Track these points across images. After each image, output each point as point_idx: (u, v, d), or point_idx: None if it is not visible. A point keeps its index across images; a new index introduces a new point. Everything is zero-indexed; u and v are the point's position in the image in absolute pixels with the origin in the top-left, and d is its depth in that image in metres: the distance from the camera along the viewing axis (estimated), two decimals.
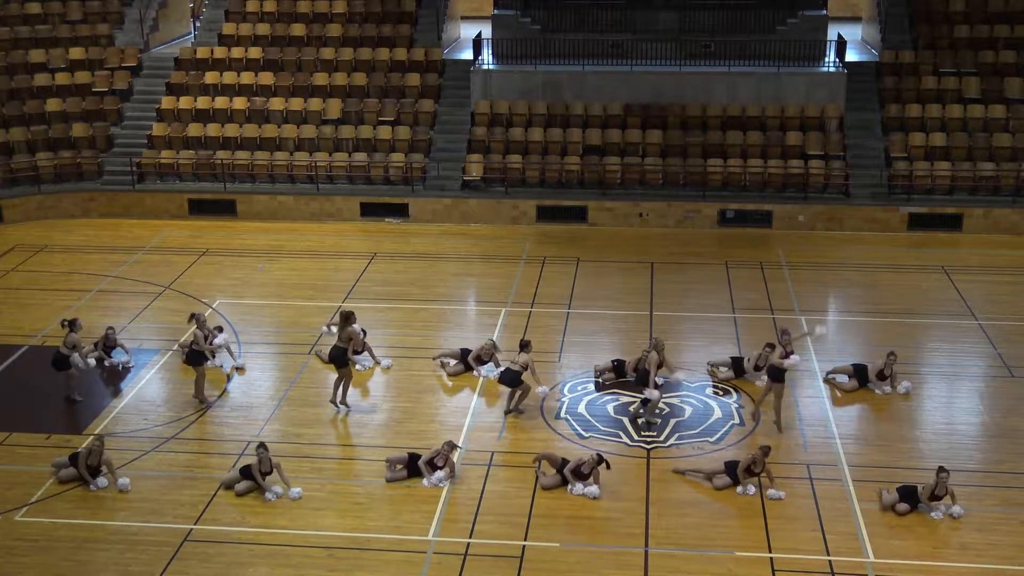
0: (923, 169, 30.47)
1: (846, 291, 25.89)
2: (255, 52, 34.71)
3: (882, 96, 32.67)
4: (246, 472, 17.42)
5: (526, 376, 19.51)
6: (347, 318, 19.79)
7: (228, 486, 17.48)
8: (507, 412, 19.77)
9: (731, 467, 17.48)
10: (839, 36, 33.37)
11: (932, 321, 23.63)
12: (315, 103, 33.19)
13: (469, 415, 19.71)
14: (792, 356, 19.14)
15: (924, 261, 27.64)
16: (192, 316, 20.37)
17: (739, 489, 17.26)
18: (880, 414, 19.81)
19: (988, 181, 30.22)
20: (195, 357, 20.10)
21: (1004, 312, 24.29)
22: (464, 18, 40.00)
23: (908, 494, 16.76)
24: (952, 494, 16.60)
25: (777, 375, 18.96)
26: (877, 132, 32.01)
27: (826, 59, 33.30)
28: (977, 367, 21.75)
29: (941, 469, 16.68)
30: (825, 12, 34.75)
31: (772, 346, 19.72)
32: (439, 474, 17.58)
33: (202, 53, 34.93)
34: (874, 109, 32.53)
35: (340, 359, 19.71)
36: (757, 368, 20.69)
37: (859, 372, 20.76)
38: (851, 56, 33.93)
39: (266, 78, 33.96)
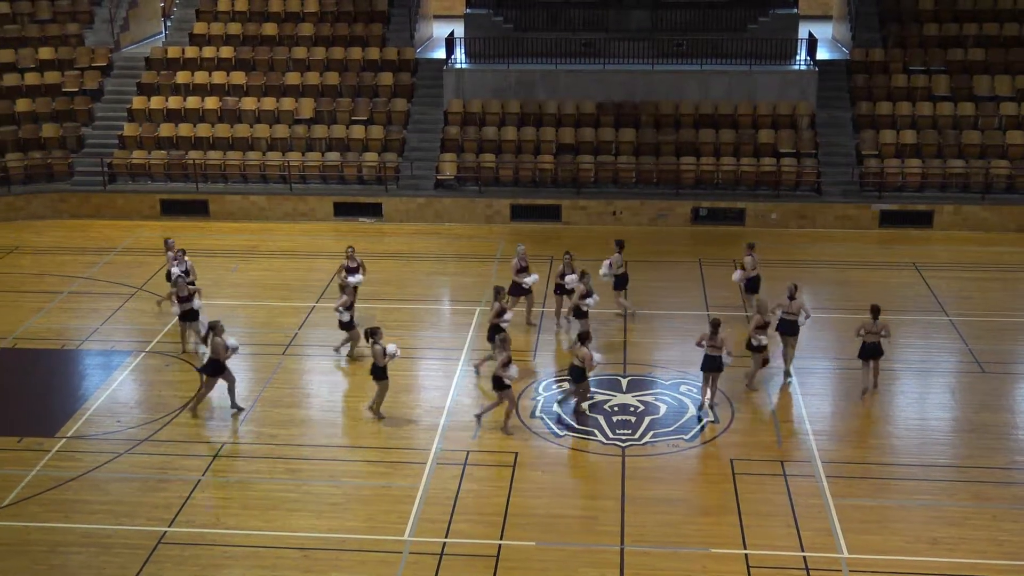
0: (894, 166, 30.70)
1: (818, 288, 26.02)
2: (227, 51, 34.56)
3: (853, 94, 32.89)
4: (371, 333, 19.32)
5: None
6: (499, 292, 21.27)
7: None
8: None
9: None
10: (810, 34, 33.58)
11: (903, 317, 23.79)
12: (287, 102, 33.09)
13: (444, 415, 19.70)
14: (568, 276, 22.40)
15: (895, 258, 27.84)
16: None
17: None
18: (853, 410, 19.94)
19: (958, 178, 30.47)
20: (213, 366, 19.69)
21: (975, 308, 24.51)
22: (436, 17, 40.02)
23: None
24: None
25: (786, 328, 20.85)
26: (848, 130, 32.22)
27: (797, 57, 33.49)
28: (948, 363, 21.93)
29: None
30: (796, 10, 34.97)
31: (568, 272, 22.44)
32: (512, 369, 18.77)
33: (173, 53, 34.75)
34: (845, 107, 32.74)
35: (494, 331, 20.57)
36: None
37: (786, 327, 20.87)
38: (822, 54, 34.14)
39: (238, 77, 33.82)
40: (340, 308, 21.48)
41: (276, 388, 20.83)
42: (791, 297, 20.70)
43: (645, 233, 29.93)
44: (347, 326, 21.70)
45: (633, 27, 34.42)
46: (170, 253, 23.37)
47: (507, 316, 20.89)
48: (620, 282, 23.50)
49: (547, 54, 33.48)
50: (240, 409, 19.80)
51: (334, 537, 16.20)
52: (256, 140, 32.27)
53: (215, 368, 19.49)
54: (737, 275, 23.63)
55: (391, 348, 19.29)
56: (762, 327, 20.12)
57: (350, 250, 23.35)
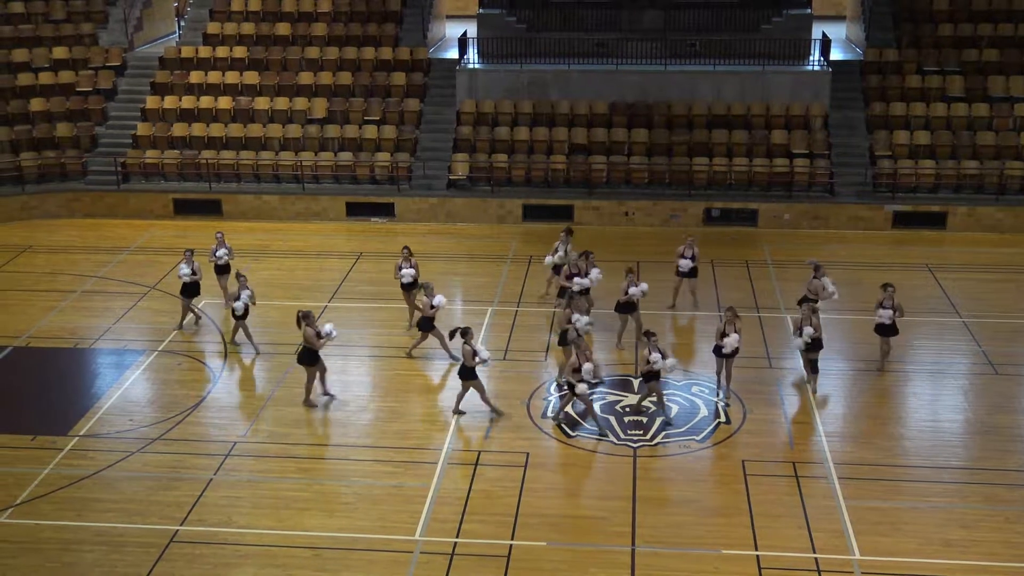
0: (907, 167, 30.60)
1: None
2: (240, 51, 34.64)
3: (866, 94, 32.79)
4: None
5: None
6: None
7: None
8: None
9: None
10: (823, 35, 33.49)
11: (916, 319, 23.71)
12: (300, 102, 33.14)
13: (455, 415, 19.70)
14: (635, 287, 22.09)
15: (908, 259, 27.75)
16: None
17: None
18: (866, 412, 19.89)
19: (972, 179, 30.36)
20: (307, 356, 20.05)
21: (988, 309, 24.41)
22: (449, 17, 40.03)
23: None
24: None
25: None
26: (862, 130, 32.13)
27: (811, 58, 33.42)
28: (961, 364, 21.85)
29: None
30: (809, 11, 34.86)
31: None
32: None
33: (187, 52, 34.84)
34: (859, 107, 32.65)
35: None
36: None
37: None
38: (836, 55, 34.04)
39: (251, 77, 33.90)
40: (430, 308, 21.50)
41: (288, 388, 20.86)
42: (815, 276, 21.97)
43: (657, 234, 29.89)
44: (429, 325, 21.67)
45: (646, 27, 34.38)
46: (213, 246, 24.33)
47: (574, 318, 20.69)
48: (558, 271, 23.64)
49: (560, 54, 33.46)
50: (332, 396, 20.29)
51: (345, 536, 16.22)
52: (269, 140, 32.34)
53: (310, 357, 19.75)
54: (685, 264, 23.81)
55: (483, 352, 19.18)
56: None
57: (406, 251, 23.39)
